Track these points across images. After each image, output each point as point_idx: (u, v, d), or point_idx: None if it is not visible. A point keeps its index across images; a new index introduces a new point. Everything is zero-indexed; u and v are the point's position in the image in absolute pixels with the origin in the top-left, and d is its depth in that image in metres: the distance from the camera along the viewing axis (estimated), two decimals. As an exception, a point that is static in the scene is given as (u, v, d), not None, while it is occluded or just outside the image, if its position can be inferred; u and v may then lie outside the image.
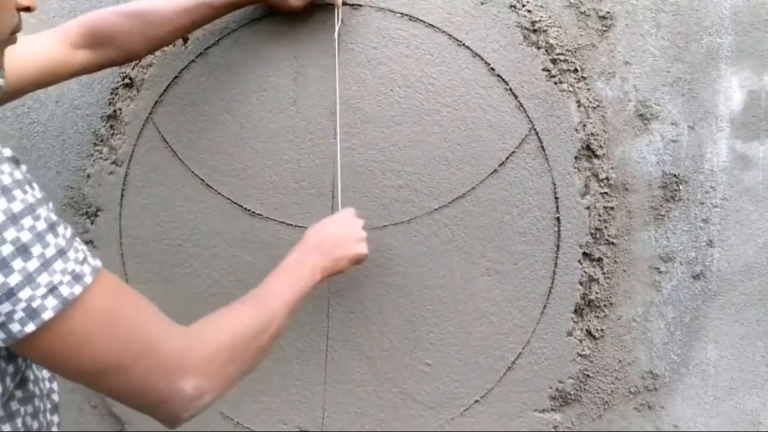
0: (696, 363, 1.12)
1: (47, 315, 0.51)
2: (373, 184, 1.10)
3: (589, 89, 1.08)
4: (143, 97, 1.14)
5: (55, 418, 0.69)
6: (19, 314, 0.50)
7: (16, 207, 0.51)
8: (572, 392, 1.11)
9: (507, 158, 1.08)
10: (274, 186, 1.12)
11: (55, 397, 0.70)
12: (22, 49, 0.82)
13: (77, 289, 0.53)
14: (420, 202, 1.10)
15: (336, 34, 1.03)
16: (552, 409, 1.12)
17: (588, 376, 1.11)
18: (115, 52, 0.94)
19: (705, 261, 1.10)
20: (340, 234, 0.91)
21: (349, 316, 1.13)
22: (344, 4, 1.07)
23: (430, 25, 1.07)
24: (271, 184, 1.12)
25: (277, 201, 1.12)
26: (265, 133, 1.12)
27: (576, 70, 1.07)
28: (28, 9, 0.63)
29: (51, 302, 0.51)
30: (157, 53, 1.12)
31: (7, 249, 0.50)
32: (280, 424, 1.16)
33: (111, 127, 1.16)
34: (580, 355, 1.10)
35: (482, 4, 1.07)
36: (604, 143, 1.08)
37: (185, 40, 1.11)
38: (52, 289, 0.52)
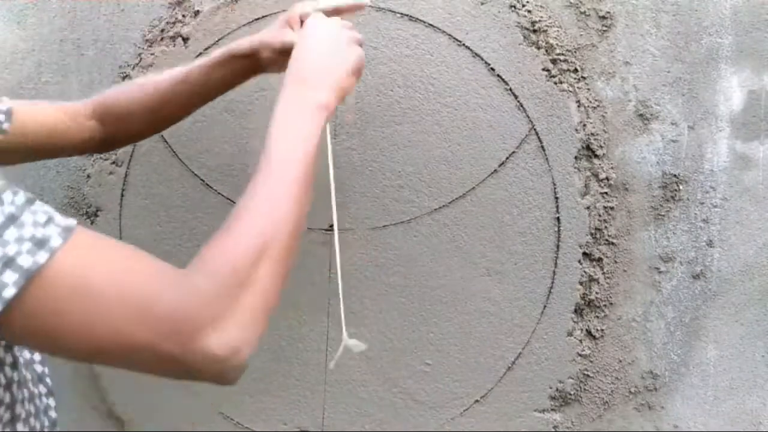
0: (696, 363, 1.12)
1: (8, 293, 0.45)
2: (373, 184, 1.10)
3: (589, 89, 1.08)
4: (143, 97, 1.14)
5: (52, 402, 0.67)
6: None
7: None
8: (572, 392, 1.11)
9: (507, 158, 1.08)
10: (274, 186, 1.12)
11: (48, 381, 0.67)
12: (33, 110, 0.82)
13: (42, 256, 0.46)
14: (420, 202, 1.09)
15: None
16: (552, 409, 1.12)
17: (588, 376, 1.11)
18: (120, 126, 0.91)
19: (705, 261, 1.10)
20: (327, 51, 0.76)
21: (349, 316, 1.13)
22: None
23: (430, 25, 1.07)
24: (271, 184, 1.12)
25: (277, 201, 1.12)
26: (265, 133, 1.11)
27: (576, 70, 1.07)
28: None
29: (10, 277, 0.45)
30: (157, 53, 1.11)
31: None
32: (280, 424, 1.16)
33: (111, 127, 1.16)
34: (580, 355, 1.11)
35: (482, 4, 1.07)
36: (604, 143, 1.08)
37: (185, 39, 1.11)
38: (8, 262, 0.45)
